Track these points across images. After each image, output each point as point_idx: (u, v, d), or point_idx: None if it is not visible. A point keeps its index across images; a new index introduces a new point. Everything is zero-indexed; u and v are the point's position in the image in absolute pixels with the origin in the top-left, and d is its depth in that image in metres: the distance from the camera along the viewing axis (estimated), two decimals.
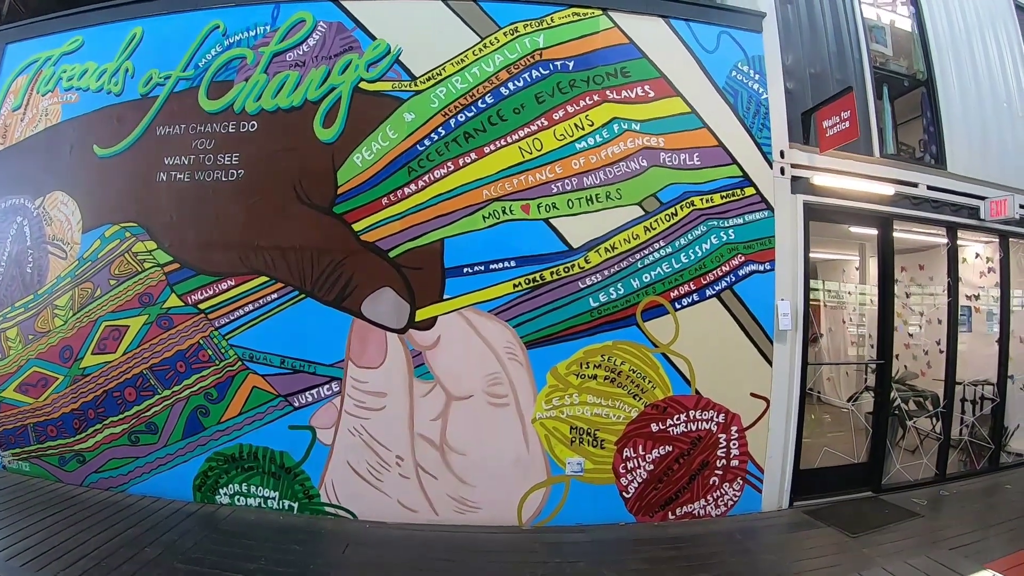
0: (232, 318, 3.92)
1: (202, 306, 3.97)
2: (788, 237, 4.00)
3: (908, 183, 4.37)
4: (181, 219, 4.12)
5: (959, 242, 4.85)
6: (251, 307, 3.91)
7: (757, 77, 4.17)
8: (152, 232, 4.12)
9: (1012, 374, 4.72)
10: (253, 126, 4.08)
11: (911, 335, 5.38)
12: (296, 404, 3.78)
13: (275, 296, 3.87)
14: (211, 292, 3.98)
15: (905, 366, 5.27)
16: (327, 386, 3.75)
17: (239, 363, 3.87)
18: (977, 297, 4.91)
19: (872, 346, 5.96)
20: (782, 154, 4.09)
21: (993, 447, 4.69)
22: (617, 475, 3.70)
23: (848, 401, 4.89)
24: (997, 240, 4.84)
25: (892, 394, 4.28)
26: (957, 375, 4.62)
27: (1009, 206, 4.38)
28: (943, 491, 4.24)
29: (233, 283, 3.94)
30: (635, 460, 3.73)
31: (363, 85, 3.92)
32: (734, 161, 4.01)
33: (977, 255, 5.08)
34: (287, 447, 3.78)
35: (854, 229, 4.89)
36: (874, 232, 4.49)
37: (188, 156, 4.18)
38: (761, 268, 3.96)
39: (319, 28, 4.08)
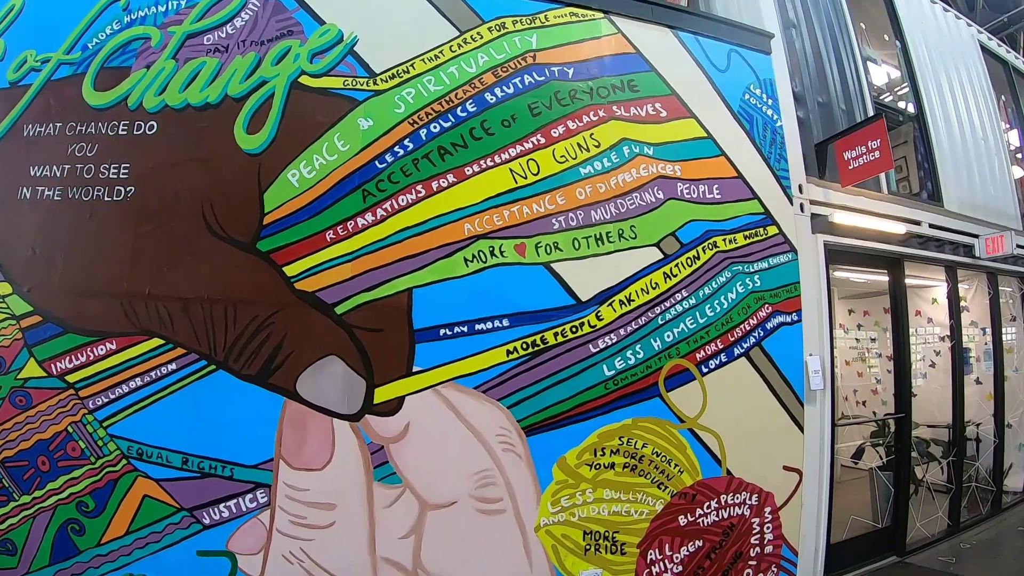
0: (112, 396, 2.36)
1: (71, 378, 2.38)
2: (812, 283, 3.08)
3: (913, 221, 3.62)
4: (47, 252, 2.51)
5: (929, 282, 4.21)
6: (138, 382, 2.38)
7: (770, 102, 3.23)
8: (6, 270, 2.47)
9: (1010, 422, 4.11)
10: (152, 127, 2.58)
11: (879, 381, 4.70)
12: (207, 521, 2.29)
13: (173, 367, 2.37)
14: (83, 358, 2.40)
15: (874, 412, 4.59)
16: (250, 496, 2.30)
17: (123, 462, 2.32)
18: (950, 335, 4.28)
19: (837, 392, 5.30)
20: (800, 189, 3.16)
21: (995, 489, 4.03)
22: None
23: (852, 458, 4.05)
24: (985, 277, 4.23)
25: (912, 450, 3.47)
26: (929, 418, 3.95)
27: (1007, 242, 3.74)
28: (964, 544, 3.49)
29: (114, 347, 2.39)
30: (661, 563, 2.59)
31: (304, 80, 2.55)
32: (755, 196, 3.03)
33: (948, 293, 4.47)
34: None
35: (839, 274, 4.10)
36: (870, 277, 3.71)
37: (62, 165, 2.59)
38: (788, 320, 2.99)
39: (250, 6, 2.67)
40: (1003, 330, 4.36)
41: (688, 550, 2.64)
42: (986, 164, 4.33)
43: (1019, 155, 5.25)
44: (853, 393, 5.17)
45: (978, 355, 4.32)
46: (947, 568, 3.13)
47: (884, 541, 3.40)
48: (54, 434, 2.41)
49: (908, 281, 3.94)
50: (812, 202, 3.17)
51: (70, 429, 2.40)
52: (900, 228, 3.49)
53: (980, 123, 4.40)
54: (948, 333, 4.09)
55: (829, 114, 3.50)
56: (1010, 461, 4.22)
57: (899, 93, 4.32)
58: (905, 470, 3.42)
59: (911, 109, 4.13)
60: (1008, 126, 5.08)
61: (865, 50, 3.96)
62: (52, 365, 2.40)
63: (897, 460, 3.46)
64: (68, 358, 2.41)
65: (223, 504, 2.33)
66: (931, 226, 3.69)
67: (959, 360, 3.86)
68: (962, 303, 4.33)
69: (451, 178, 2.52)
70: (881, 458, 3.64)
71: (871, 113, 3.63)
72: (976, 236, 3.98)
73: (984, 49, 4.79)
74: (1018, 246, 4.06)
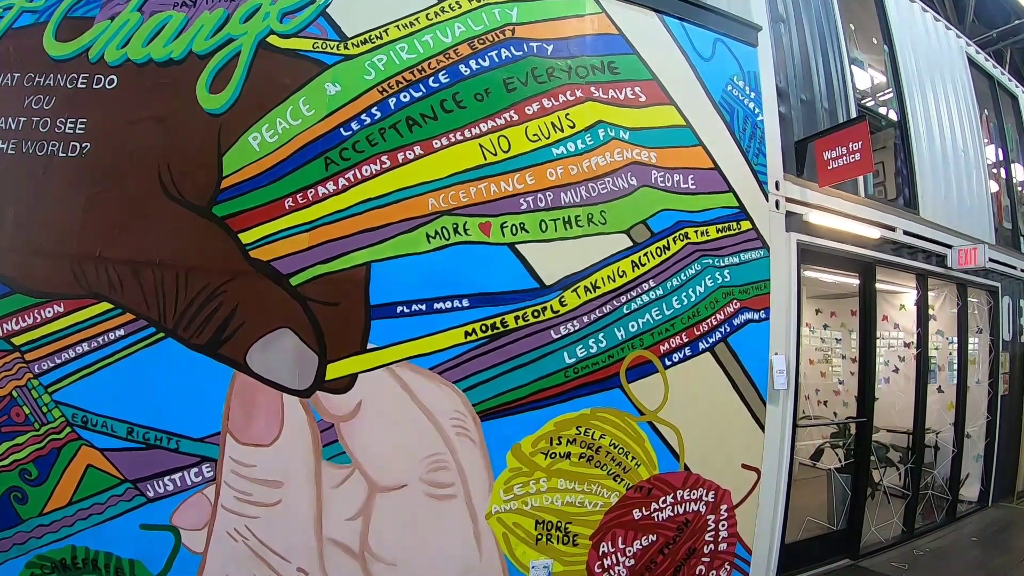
0: (58, 361, 2.19)
1: (16, 340, 2.20)
2: (783, 281, 2.96)
3: (888, 226, 3.51)
4: None
5: (899, 288, 4.12)
6: (85, 347, 2.21)
7: (753, 95, 3.08)
8: None
9: (969, 433, 4.05)
10: (112, 81, 2.38)
11: (841, 382, 4.63)
12: (150, 494, 2.14)
13: (121, 332, 2.21)
14: (30, 320, 2.22)
15: (835, 412, 4.51)
16: (195, 469, 2.16)
17: (67, 429, 2.16)
18: (915, 344, 4.20)
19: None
20: (777, 185, 3.03)
21: (951, 498, 3.98)
22: None
23: (811, 458, 3.96)
24: (955, 287, 4.15)
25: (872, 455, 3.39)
26: (890, 423, 3.87)
27: (980, 255, 3.65)
28: (917, 550, 3.42)
29: (62, 309, 2.22)
30: (613, 556, 2.49)
31: (273, 40, 2.37)
32: (730, 189, 2.89)
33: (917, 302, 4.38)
34: (139, 554, 2.13)
35: (808, 273, 3.98)
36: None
37: (18, 117, 2.40)
38: (756, 317, 2.87)
39: None
40: (969, 341, 4.30)
41: (641, 544, 2.54)
42: (964, 176, 4.23)
43: (995, 170, 5.16)
44: (815, 392, 5.11)
45: (942, 364, 4.26)
46: (899, 574, 3.06)
47: (838, 543, 3.33)
48: None
49: (878, 286, 3.85)
50: (788, 200, 3.05)
51: (15, 394, 2.23)
52: (875, 232, 3.38)
53: (961, 135, 4.29)
54: (914, 340, 4.02)
55: (811, 112, 3.36)
56: (967, 471, 4.17)
57: (882, 98, 4.19)
58: (863, 474, 3.34)
59: (893, 115, 4.01)
60: (988, 141, 4.98)
61: (852, 52, 3.82)
62: None
63: (856, 463, 3.38)
64: (15, 319, 2.23)
65: (168, 477, 2.17)
66: (906, 233, 3.59)
67: (923, 368, 3.78)
68: (930, 311, 4.26)
69: (418, 150, 2.35)
70: (840, 460, 3.57)
71: (854, 115, 3.49)
72: (949, 246, 3.89)
73: (971, 62, 4.67)
74: (990, 260, 3.98)
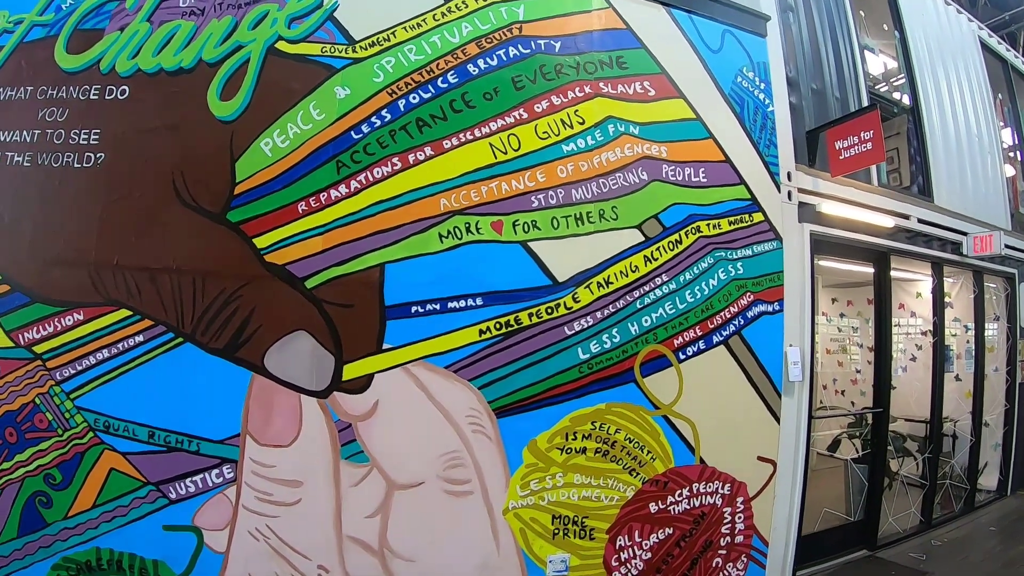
0: (79, 368, 2.24)
1: (38, 348, 2.25)
2: (796, 273, 2.95)
3: (902, 215, 3.48)
4: (15, 220, 2.37)
5: (915, 276, 4.08)
6: (105, 353, 2.25)
7: (763, 86, 3.07)
8: None
9: (987, 421, 4.02)
10: (124, 92, 2.41)
11: (859, 371, 4.60)
12: (173, 496, 2.19)
13: (140, 339, 2.25)
14: (51, 329, 2.27)
15: (852, 402, 4.48)
16: (216, 471, 2.21)
17: (89, 434, 2.21)
18: (932, 332, 4.17)
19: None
20: (789, 176, 3.02)
21: (969, 488, 3.96)
22: (609, 570, 2.47)
23: (828, 449, 3.95)
24: (971, 274, 4.11)
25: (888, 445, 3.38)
26: (907, 412, 3.85)
27: (996, 242, 3.61)
28: (935, 541, 3.42)
29: (81, 317, 2.26)
30: (630, 549, 2.51)
31: (281, 46, 2.40)
32: (742, 181, 2.88)
33: (932, 290, 4.35)
34: (163, 554, 2.19)
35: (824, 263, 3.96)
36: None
37: (32, 130, 2.44)
38: (770, 309, 2.87)
39: None
40: (986, 328, 4.26)
41: (658, 537, 2.56)
42: (979, 162, 4.18)
43: (1011, 154, 5.09)
44: (832, 382, 5.09)
45: (959, 352, 4.22)
46: (917, 564, 3.06)
47: (855, 534, 3.33)
48: (21, 405, 2.29)
49: (893, 274, 3.81)
50: (800, 190, 3.03)
51: (37, 400, 2.28)
52: (889, 221, 3.36)
53: (975, 120, 4.23)
54: (931, 328, 3.98)
55: (822, 101, 3.34)
56: (985, 460, 4.14)
57: (895, 84, 4.15)
58: (880, 464, 3.34)
59: (906, 101, 3.96)
60: (1003, 124, 4.91)
61: (863, 38, 3.77)
62: (20, 335, 2.27)
63: (873, 454, 3.37)
64: (36, 328, 2.28)
65: (189, 479, 2.22)
66: (920, 221, 3.56)
67: (940, 356, 3.76)
68: (946, 299, 4.21)
69: (428, 151, 2.37)
70: (857, 451, 3.56)
71: (866, 102, 3.46)
72: (965, 234, 3.85)
73: (984, 46, 4.60)
74: (1006, 246, 3.94)
